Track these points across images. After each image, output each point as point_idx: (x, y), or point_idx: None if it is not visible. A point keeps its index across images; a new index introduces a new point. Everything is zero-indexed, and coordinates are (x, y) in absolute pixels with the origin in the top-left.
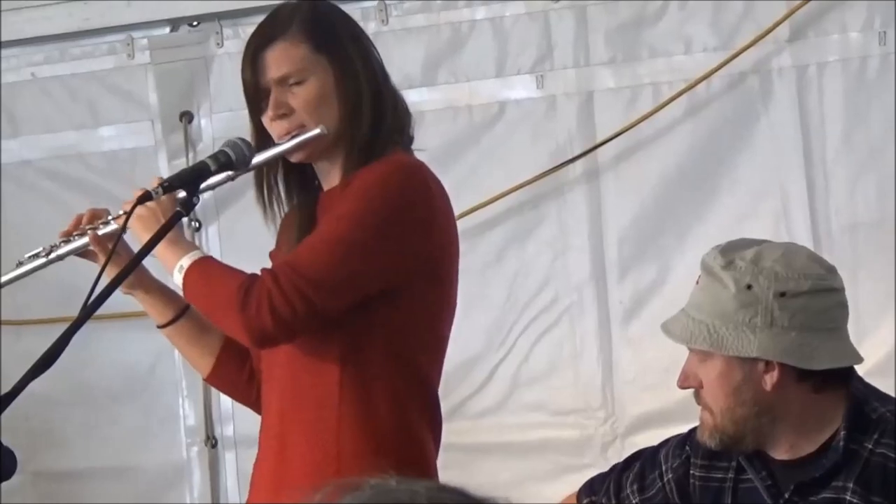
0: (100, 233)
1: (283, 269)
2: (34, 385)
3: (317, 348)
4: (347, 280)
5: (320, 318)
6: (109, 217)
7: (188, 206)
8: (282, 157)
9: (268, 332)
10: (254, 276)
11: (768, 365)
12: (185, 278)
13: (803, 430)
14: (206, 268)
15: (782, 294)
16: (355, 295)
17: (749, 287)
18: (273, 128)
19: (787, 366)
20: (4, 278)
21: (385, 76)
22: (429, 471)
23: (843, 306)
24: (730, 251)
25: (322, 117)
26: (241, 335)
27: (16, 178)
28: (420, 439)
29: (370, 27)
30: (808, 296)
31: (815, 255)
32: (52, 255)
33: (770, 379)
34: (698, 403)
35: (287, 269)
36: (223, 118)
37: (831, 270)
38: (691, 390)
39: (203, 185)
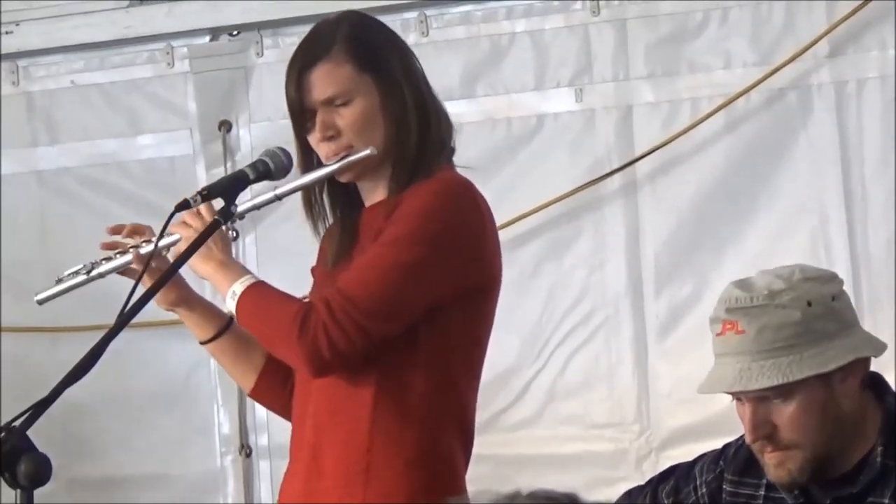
0: (142, 251)
1: (336, 299)
2: (70, 392)
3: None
4: (401, 306)
5: (376, 345)
6: (152, 235)
7: (227, 215)
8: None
9: (326, 362)
10: (308, 304)
11: (845, 371)
12: (238, 305)
13: (851, 442)
14: (259, 296)
15: (833, 297)
16: (409, 319)
17: (810, 304)
18: (321, 149)
19: (857, 367)
20: (44, 295)
21: (428, 87)
22: (457, 490)
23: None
24: (749, 289)
25: (369, 137)
26: (299, 365)
27: (55, 186)
28: (451, 460)
29: (410, 38)
30: (843, 293)
31: (802, 263)
32: (94, 273)
33: (850, 385)
34: (772, 450)
35: (340, 299)
36: (262, 128)
37: (832, 271)
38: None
39: (249, 205)
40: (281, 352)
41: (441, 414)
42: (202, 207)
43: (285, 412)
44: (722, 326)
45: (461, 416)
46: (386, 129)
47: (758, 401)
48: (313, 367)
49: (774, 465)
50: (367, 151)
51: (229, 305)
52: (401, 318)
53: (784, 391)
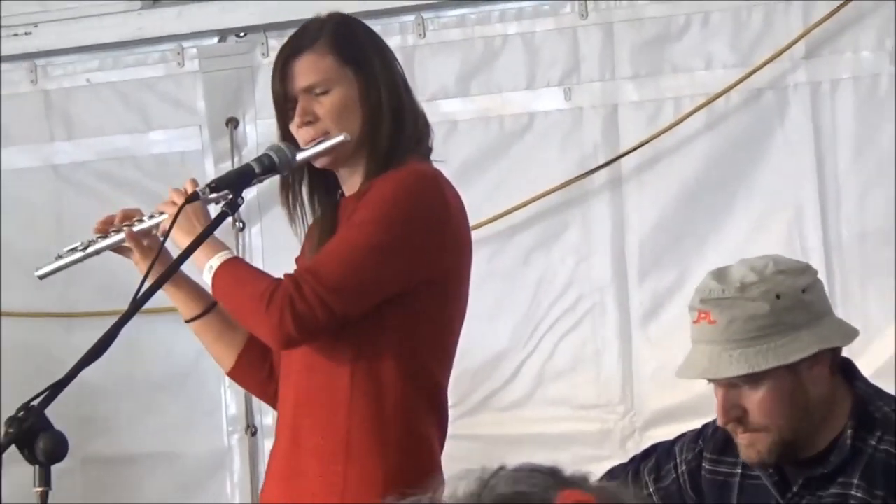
0: (135, 229)
1: (304, 276)
2: (84, 375)
3: (331, 347)
4: (364, 286)
5: (339, 321)
6: (144, 217)
7: (233, 206)
8: (306, 166)
9: (290, 335)
10: (278, 280)
11: (814, 360)
12: (214, 278)
13: (822, 426)
14: (234, 269)
15: (804, 290)
16: (372, 299)
17: (778, 297)
18: (299, 134)
19: (825, 356)
20: (44, 270)
21: (407, 89)
22: (433, 465)
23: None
24: (723, 280)
25: (345, 125)
26: (265, 336)
27: (71, 179)
28: (426, 436)
29: (408, 40)
30: (815, 284)
31: (778, 255)
32: (90, 250)
33: (818, 373)
34: (743, 432)
35: (308, 276)
36: (267, 124)
37: (805, 262)
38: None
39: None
40: (249, 323)
41: (414, 397)
42: (188, 185)
43: (261, 393)
44: (697, 315)
45: (434, 399)
46: (362, 119)
47: (729, 386)
48: (278, 338)
49: (745, 446)
50: (342, 137)
51: (206, 278)
52: (364, 297)
53: (753, 378)
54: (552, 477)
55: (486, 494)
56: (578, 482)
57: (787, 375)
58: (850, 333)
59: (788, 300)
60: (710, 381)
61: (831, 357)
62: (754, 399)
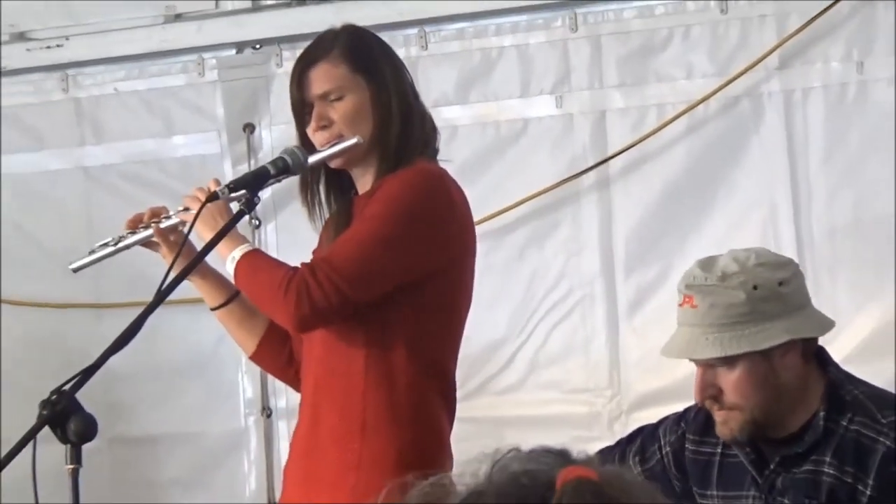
0: (162, 226)
1: (319, 264)
2: (112, 361)
3: (347, 333)
4: (375, 273)
5: (351, 306)
6: (170, 213)
7: (250, 205)
8: (323, 165)
9: (306, 319)
10: (295, 268)
11: (786, 348)
12: (236, 268)
13: (795, 408)
14: (254, 260)
15: (780, 283)
16: (382, 286)
17: (755, 287)
18: (316, 137)
19: (798, 344)
20: (77, 263)
21: (415, 95)
22: (442, 443)
23: (805, 281)
24: (708, 269)
25: (358, 129)
26: (283, 321)
27: (100, 180)
28: (436, 416)
29: (412, 51)
30: (794, 278)
31: (764, 249)
32: (120, 245)
33: (790, 360)
34: (718, 409)
35: (323, 265)
36: (281, 129)
37: (788, 257)
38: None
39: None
40: (269, 308)
41: (424, 380)
42: (211, 184)
43: (281, 375)
44: (682, 298)
45: (443, 382)
46: (373, 123)
47: (706, 367)
48: (295, 322)
49: (720, 423)
50: (355, 140)
51: (229, 268)
52: (373, 284)
53: (728, 361)
54: (561, 457)
55: (497, 473)
56: (584, 461)
57: (761, 360)
58: (824, 325)
59: (765, 291)
60: (691, 360)
61: (804, 346)
62: (729, 380)
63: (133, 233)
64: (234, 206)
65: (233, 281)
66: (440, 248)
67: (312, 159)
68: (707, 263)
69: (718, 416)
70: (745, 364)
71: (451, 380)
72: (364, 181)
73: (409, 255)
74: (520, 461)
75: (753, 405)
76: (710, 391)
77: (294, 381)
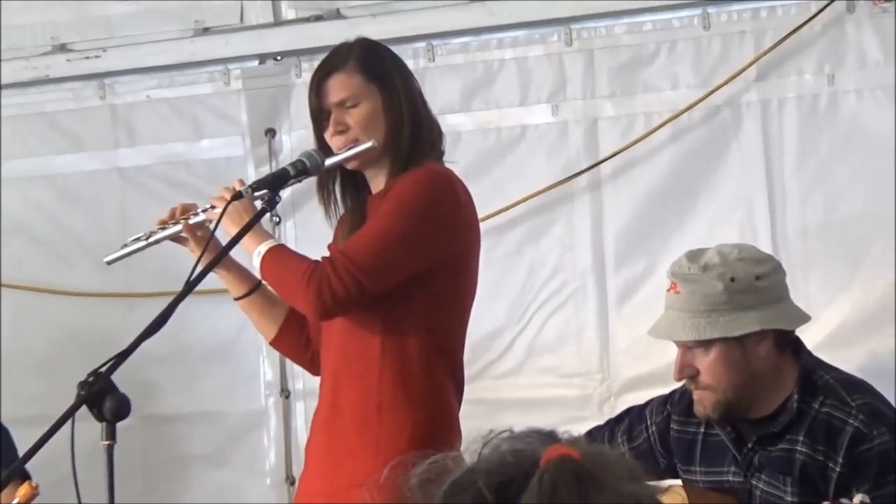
0: (191, 222)
1: (339, 258)
2: (144, 346)
3: (364, 321)
4: (390, 266)
5: (368, 296)
6: (199, 209)
7: (271, 203)
8: (339, 167)
9: (327, 308)
10: (316, 262)
11: (760, 336)
12: (262, 261)
13: (770, 392)
14: (279, 254)
15: (758, 277)
16: (396, 277)
17: (733, 279)
18: (333, 142)
19: (772, 334)
20: (111, 256)
21: (423, 102)
22: (452, 421)
23: (785, 277)
24: (694, 260)
25: (372, 133)
26: (306, 309)
27: (133, 180)
28: (446, 396)
29: (420, 63)
30: (772, 273)
31: (750, 245)
32: (151, 240)
33: (763, 348)
34: (695, 388)
35: (342, 258)
36: (300, 134)
37: (770, 254)
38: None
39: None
40: (292, 299)
41: (435, 362)
42: (236, 183)
43: (299, 360)
44: (670, 284)
45: (452, 364)
46: (386, 128)
47: (685, 348)
48: (317, 311)
49: (696, 401)
50: (370, 143)
51: (255, 262)
52: (388, 275)
53: (704, 344)
54: (547, 437)
55: (488, 452)
56: (568, 441)
57: (735, 346)
58: (798, 319)
59: (742, 284)
60: (672, 341)
61: (777, 336)
62: (705, 362)
63: (163, 228)
64: (258, 205)
65: (257, 273)
66: (448, 241)
67: (331, 161)
68: (694, 255)
69: (695, 395)
70: (719, 348)
71: (459, 363)
72: (377, 181)
73: (420, 248)
74: (510, 441)
75: (726, 386)
76: (688, 371)
77: (310, 365)
